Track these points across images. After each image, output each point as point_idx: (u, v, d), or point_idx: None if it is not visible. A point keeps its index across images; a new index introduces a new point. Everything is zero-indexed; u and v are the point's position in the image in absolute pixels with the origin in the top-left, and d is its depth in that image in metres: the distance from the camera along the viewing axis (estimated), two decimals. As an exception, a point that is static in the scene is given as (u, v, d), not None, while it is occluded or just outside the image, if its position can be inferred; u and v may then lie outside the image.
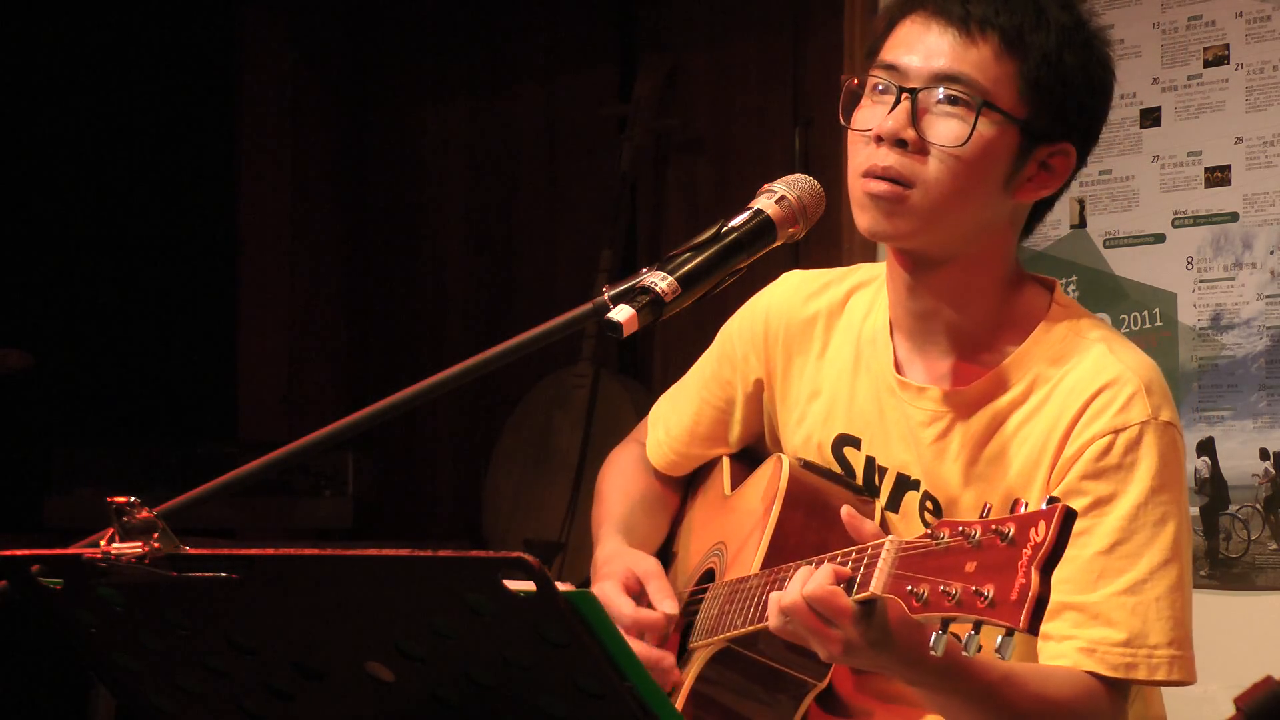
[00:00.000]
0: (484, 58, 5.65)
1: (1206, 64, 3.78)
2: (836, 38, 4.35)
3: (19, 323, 5.16)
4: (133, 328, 5.49)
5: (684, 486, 2.52)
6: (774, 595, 1.89)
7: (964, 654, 1.80)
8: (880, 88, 2.12)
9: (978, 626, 1.67)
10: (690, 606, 2.27)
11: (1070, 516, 1.66)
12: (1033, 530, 1.65)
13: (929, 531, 1.74)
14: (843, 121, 2.15)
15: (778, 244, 1.96)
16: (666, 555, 2.45)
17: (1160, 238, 3.83)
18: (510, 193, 5.63)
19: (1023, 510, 1.68)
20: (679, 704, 2.15)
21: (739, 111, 5.03)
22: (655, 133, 5.16)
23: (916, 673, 1.90)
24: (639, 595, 2.27)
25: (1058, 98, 2.11)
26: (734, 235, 1.91)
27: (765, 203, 1.95)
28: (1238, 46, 3.73)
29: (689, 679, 2.16)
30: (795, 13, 4.87)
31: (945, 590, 1.68)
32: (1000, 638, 1.65)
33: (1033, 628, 1.63)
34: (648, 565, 2.30)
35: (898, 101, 2.09)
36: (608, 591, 2.26)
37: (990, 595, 1.65)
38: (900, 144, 2.08)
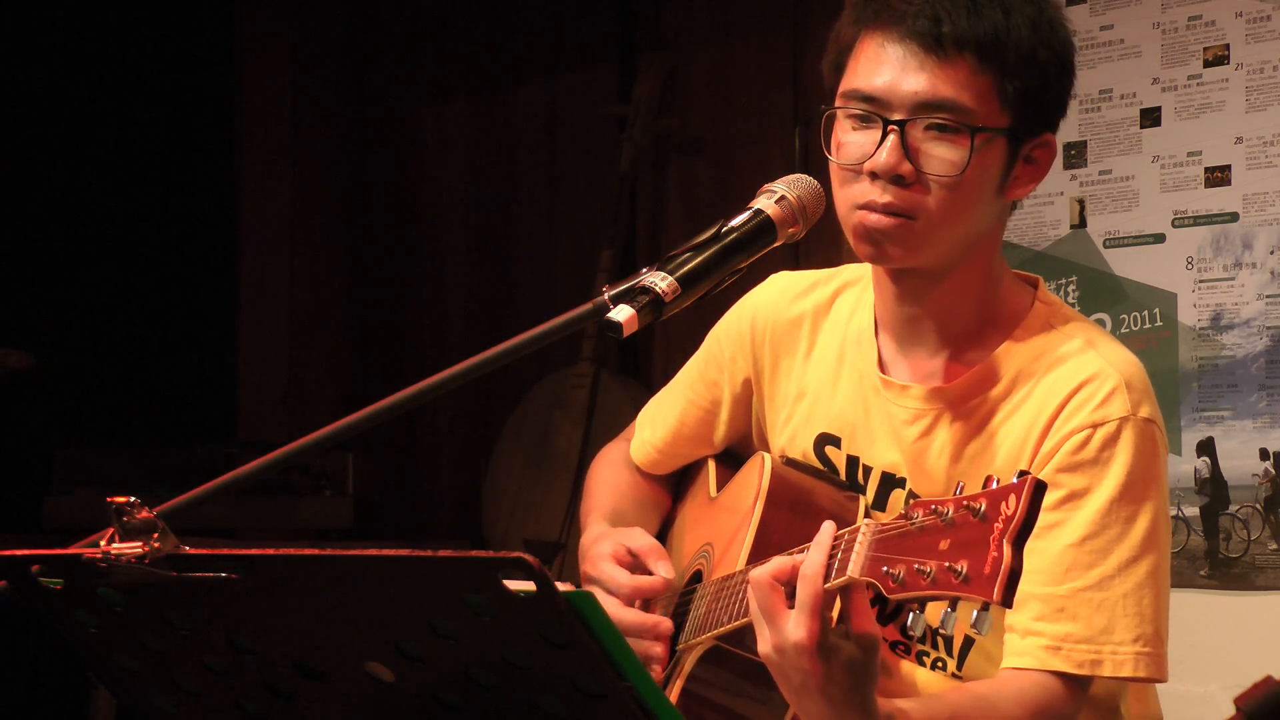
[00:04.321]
0: (484, 58, 5.64)
1: (1206, 64, 3.78)
2: (836, 38, 4.34)
3: (19, 323, 5.16)
4: (133, 328, 5.48)
5: (673, 491, 2.52)
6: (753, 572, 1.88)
7: (904, 708, 1.86)
8: (862, 117, 2.09)
9: (954, 604, 1.68)
10: (679, 609, 2.27)
11: (1040, 488, 1.66)
12: (1004, 504, 1.66)
13: (904, 512, 1.75)
14: (826, 154, 2.12)
15: (778, 244, 1.96)
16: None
17: (1160, 238, 3.83)
18: (510, 193, 5.62)
19: (994, 486, 1.68)
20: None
21: (739, 111, 5.03)
22: (655, 133, 5.15)
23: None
24: (632, 568, 2.27)
25: (1036, 94, 2.10)
26: (734, 235, 1.91)
27: (765, 203, 1.95)
28: (1238, 46, 3.73)
29: (679, 680, 2.16)
30: (795, 13, 4.87)
31: (920, 569, 1.69)
32: (975, 613, 1.66)
33: (1006, 600, 1.63)
34: (642, 540, 2.29)
35: (885, 135, 2.06)
36: (601, 568, 2.25)
37: (964, 571, 1.65)
38: (897, 179, 2.06)
